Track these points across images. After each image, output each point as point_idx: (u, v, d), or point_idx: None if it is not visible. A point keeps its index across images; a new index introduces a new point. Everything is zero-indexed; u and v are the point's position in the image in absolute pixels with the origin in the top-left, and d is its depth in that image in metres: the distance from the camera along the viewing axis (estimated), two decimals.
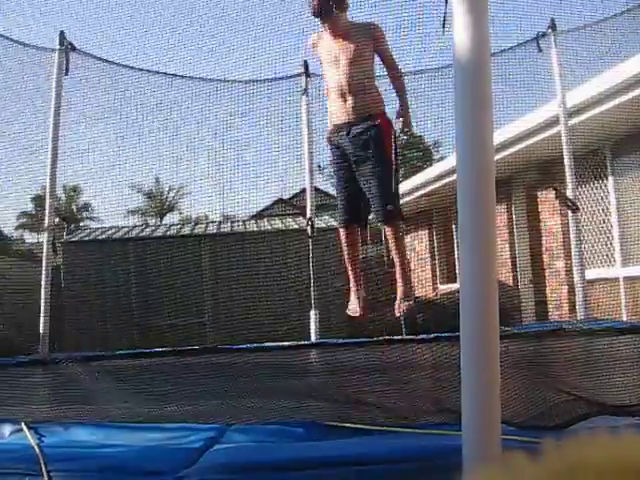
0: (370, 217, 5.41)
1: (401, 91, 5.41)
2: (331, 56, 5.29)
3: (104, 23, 7.46)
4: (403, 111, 5.34)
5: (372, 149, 5.24)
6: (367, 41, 5.27)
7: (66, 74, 7.40)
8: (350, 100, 5.23)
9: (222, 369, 5.78)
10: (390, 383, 4.65)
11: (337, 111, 5.29)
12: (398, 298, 5.39)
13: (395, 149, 5.40)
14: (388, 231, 5.28)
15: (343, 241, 5.36)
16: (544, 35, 8.04)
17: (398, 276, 5.39)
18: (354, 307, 5.44)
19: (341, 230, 5.39)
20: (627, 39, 7.52)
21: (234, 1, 7.16)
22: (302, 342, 7.62)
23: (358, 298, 5.41)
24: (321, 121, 8.36)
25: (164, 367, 6.21)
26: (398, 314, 5.43)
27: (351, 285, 5.44)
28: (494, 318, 2.08)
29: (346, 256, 5.35)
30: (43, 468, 2.52)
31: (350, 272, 5.38)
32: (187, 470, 2.52)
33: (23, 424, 2.99)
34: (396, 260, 5.35)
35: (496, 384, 2.08)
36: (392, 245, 5.26)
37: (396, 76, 5.43)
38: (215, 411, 3.90)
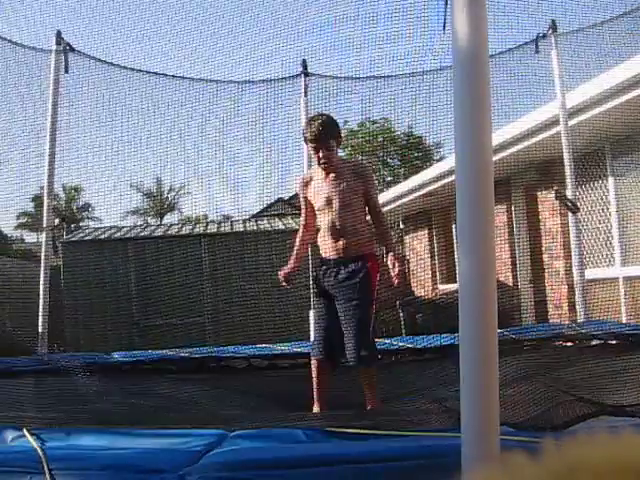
0: (342, 357, 5.27)
1: (387, 239, 5.45)
2: (323, 196, 5.32)
3: (102, 24, 7.46)
4: (394, 262, 5.25)
5: (357, 292, 5.22)
6: (358, 181, 5.32)
7: (66, 72, 7.40)
8: (341, 240, 5.27)
9: (222, 375, 5.78)
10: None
11: (327, 248, 5.31)
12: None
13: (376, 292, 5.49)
14: (360, 371, 5.24)
15: (314, 369, 5.26)
16: (544, 36, 8.05)
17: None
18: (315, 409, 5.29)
19: (313, 360, 5.31)
20: (627, 40, 7.53)
21: (230, 1, 7.17)
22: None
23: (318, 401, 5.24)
24: None
25: (164, 372, 6.21)
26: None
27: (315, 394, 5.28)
28: (493, 318, 2.08)
29: (315, 382, 5.21)
30: (45, 466, 2.52)
31: (315, 395, 5.22)
32: (188, 468, 2.53)
33: (25, 430, 2.99)
34: (366, 396, 5.23)
35: (495, 384, 2.08)
36: (363, 382, 5.15)
37: (381, 222, 5.48)
38: (216, 417, 3.91)
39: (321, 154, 5.25)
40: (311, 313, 8.45)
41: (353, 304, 5.18)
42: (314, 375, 5.23)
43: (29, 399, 4.84)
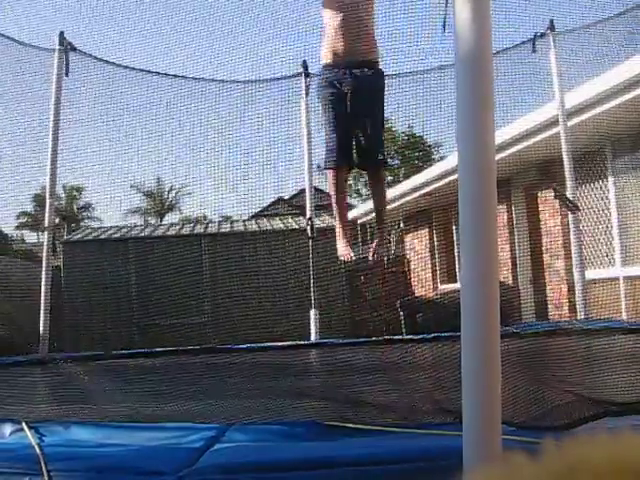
0: (358, 159, 5.20)
1: None
2: None
3: (103, 23, 7.46)
4: None
5: (373, 93, 5.12)
6: None
7: (66, 75, 7.41)
8: (353, 41, 5.04)
9: (221, 369, 5.78)
10: (390, 383, 4.65)
11: (338, 49, 5.07)
12: (374, 243, 5.38)
13: None
14: (374, 176, 5.26)
15: (332, 182, 5.12)
16: (543, 36, 8.05)
17: (376, 220, 5.37)
18: (345, 251, 5.29)
19: (331, 172, 5.14)
20: (626, 40, 7.53)
21: (231, 1, 7.17)
22: (302, 342, 7.60)
23: (347, 240, 5.24)
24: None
25: (163, 367, 6.22)
26: (371, 259, 5.42)
27: (339, 229, 5.26)
28: (495, 318, 2.08)
29: (335, 198, 5.12)
30: (43, 467, 2.52)
31: (338, 214, 5.19)
32: (188, 470, 2.52)
33: (24, 424, 2.99)
34: (376, 204, 5.28)
35: (497, 384, 2.08)
36: (375, 189, 5.22)
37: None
38: (215, 411, 3.91)
39: None
40: (312, 313, 8.45)
41: (371, 106, 5.09)
42: (333, 190, 5.14)
43: (28, 394, 4.84)
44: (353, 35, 5.04)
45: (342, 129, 5.06)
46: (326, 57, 5.17)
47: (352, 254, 5.35)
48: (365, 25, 5.16)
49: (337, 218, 5.23)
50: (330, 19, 5.10)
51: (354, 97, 5.00)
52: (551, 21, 7.97)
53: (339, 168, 5.08)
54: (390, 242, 17.55)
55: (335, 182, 5.06)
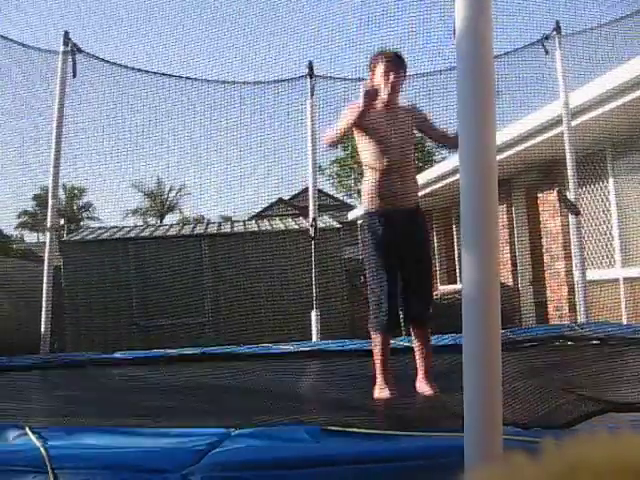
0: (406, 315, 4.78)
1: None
2: (383, 128, 4.72)
3: (109, 25, 7.48)
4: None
5: (423, 242, 4.91)
6: (412, 122, 4.86)
7: (74, 76, 7.42)
8: (406, 185, 4.72)
9: (222, 372, 5.78)
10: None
11: (385, 195, 4.68)
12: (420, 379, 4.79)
13: None
14: (420, 332, 4.77)
15: (378, 346, 4.62)
16: (548, 37, 8.06)
17: (420, 366, 4.77)
18: (384, 393, 4.61)
19: (376, 334, 4.66)
20: (630, 41, 7.54)
21: (240, 3, 7.18)
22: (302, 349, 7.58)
23: (386, 383, 4.61)
24: (325, 122, 8.40)
25: (164, 369, 6.22)
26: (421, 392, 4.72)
27: (379, 376, 4.64)
28: (496, 319, 2.09)
29: (379, 360, 4.58)
30: (49, 466, 2.53)
31: (380, 368, 4.61)
32: (191, 468, 2.53)
33: (27, 428, 3.00)
34: (425, 360, 4.75)
35: (498, 385, 2.09)
36: (420, 345, 4.69)
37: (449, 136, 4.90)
38: (217, 415, 3.91)
39: (395, 78, 4.74)
40: (313, 313, 8.45)
41: (426, 258, 4.85)
42: (378, 352, 4.62)
43: (29, 394, 4.85)
44: (401, 181, 4.70)
45: (390, 286, 4.62)
46: (371, 203, 4.76)
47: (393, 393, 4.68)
48: (412, 169, 4.95)
49: (379, 370, 4.67)
50: (375, 161, 4.73)
51: (405, 248, 4.67)
52: (557, 22, 7.99)
53: (385, 333, 4.68)
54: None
55: (382, 347, 4.62)
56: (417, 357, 4.74)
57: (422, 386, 4.64)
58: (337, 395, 4.71)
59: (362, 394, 4.59)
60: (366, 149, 4.78)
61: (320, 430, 3.01)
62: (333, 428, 3.03)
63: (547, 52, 8.10)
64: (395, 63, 4.81)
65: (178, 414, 3.92)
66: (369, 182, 4.78)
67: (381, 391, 4.55)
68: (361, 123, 4.69)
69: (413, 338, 4.80)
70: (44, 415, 3.89)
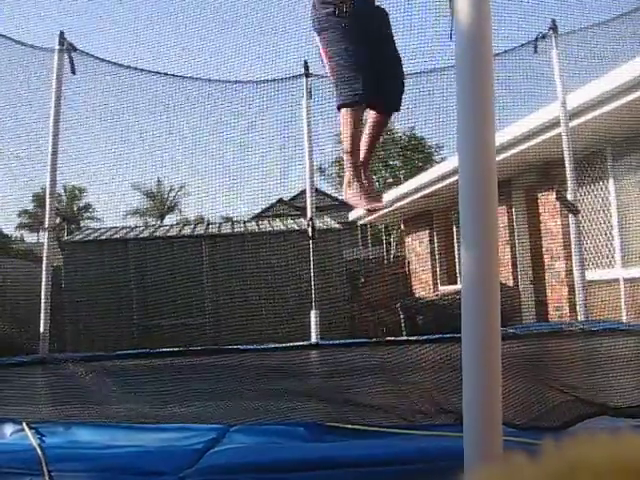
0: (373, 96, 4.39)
1: None
2: None
3: (105, 23, 7.47)
4: None
5: (390, 27, 4.63)
6: None
7: (73, 73, 7.42)
8: None
9: (222, 370, 5.78)
10: (390, 384, 4.65)
11: None
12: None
13: None
14: (380, 118, 4.55)
15: (348, 121, 4.30)
16: (545, 37, 8.05)
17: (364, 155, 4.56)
18: (360, 199, 4.43)
19: (348, 109, 4.33)
20: (628, 41, 7.53)
21: (236, 2, 7.18)
22: (302, 343, 7.61)
23: (362, 185, 4.39)
24: (322, 122, 8.40)
25: (164, 367, 6.22)
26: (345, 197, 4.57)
27: (350, 173, 4.42)
28: (496, 319, 2.08)
29: (350, 139, 4.32)
30: (44, 468, 2.52)
31: (351, 157, 4.39)
32: (188, 470, 2.53)
33: (24, 424, 2.99)
34: (367, 142, 4.54)
35: (497, 385, 2.08)
36: (374, 131, 4.48)
37: None
38: (215, 412, 3.91)
39: None
40: (312, 313, 8.45)
41: (393, 41, 4.61)
42: (348, 132, 4.36)
43: (28, 394, 4.85)
44: None
45: (366, 59, 4.33)
46: None
47: (365, 202, 4.53)
48: None
49: (350, 161, 4.45)
50: None
51: (377, 24, 4.44)
52: (553, 21, 7.97)
53: (359, 105, 4.38)
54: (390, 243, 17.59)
55: (353, 125, 4.31)
56: (364, 141, 4.55)
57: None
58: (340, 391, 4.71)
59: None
60: None
61: (320, 429, 3.01)
62: (333, 425, 3.03)
63: (536, 51, 8.08)
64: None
65: (175, 412, 3.92)
66: None
67: (349, 185, 4.41)
68: None
69: (370, 123, 4.59)
70: (40, 413, 3.88)
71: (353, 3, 4.35)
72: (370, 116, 4.66)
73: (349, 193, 4.53)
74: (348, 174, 4.49)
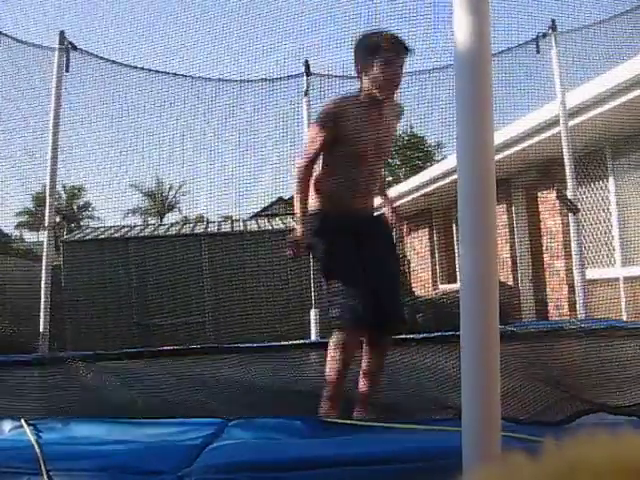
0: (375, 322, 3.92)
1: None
2: (369, 138, 4.02)
3: (103, 21, 7.47)
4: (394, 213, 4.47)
5: (389, 239, 4.32)
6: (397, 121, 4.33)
7: (66, 71, 7.41)
8: (376, 193, 4.24)
9: (219, 366, 5.78)
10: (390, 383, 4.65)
11: (358, 200, 4.06)
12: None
13: None
14: (383, 342, 4.09)
15: (345, 348, 3.80)
16: (545, 35, 8.05)
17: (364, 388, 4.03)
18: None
19: (341, 334, 3.88)
20: (628, 39, 7.52)
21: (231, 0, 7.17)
22: (302, 342, 7.61)
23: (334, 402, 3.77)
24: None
25: (163, 364, 6.23)
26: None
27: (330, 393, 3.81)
28: (494, 317, 2.08)
29: (339, 367, 3.77)
30: (43, 467, 2.52)
31: (335, 384, 3.79)
32: (187, 469, 2.53)
33: (23, 420, 2.99)
34: (372, 374, 4.03)
35: (496, 384, 2.08)
36: (377, 359, 4.00)
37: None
38: (213, 406, 3.91)
39: (400, 73, 4.03)
40: (312, 312, 8.46)
41: (397, 258, 4.36)
42: (340, 357, 3.76)
43: (27, 392, 4.85)
44: (368, 189, 4.14)
45: (359, 281, 3.94)
46: (321, 204, 4.16)
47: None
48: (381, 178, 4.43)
49: (334, 385, 3.84)
50: (347, 165, 4.08)
51: (368, 242, 4.05)
52: (553, 21, 7.97)
53: (357, 331, 3.93)
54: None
55: (347, 350, 3.81)
56: (364, 378, 4.04)
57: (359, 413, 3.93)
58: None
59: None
60: (344, 145, 4.07)
61: (319, 424, 3.01)
62: (331, 420, 3.03)
63: (538, 51, 8.08)
64: (398, 50, 4.01)
65: (174, 406, 3.92)
66: (323, 178, 4.15)
67: (330, 410, 3.72)
68: (337, 128, 4.02)
69: (369, 355, 4.07)
70: (38, 410, 3.87)
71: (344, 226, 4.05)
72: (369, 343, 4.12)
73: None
74: (325, 405, 3.79)
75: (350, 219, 4.04)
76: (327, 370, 3.86)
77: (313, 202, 4.21)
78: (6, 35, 7.17)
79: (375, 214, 4.37)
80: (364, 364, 4.08)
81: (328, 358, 3.88)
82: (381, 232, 4.25)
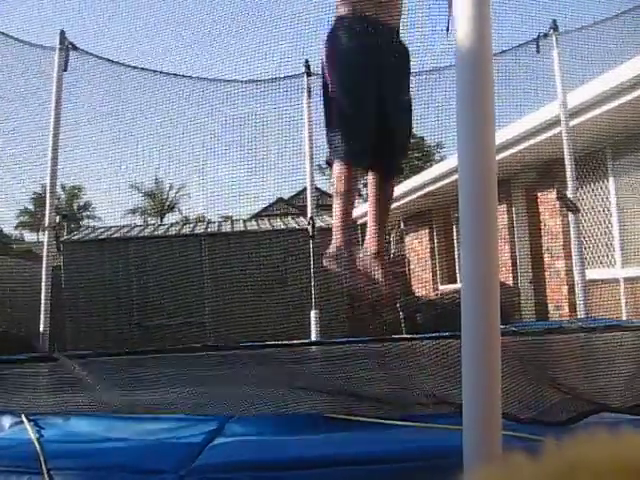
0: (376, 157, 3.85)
1: None
2: None
3: (103, 20, 7.47)
4: None
5: (405, 70, 4.09)
6: None
7: (65, 70, 7.41)
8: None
9: (220, 362, 5.78)
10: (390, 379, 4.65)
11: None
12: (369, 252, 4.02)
13: None
14: (384, 185, 4.02)
15: (343, 179, 3.77)
16: (546, 36, 8.05)
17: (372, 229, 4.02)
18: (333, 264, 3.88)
19: (343, 167, 3.81)
20: (628, 40, 7.53)
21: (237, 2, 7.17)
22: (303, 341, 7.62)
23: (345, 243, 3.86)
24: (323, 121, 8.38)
25: (164, 360, 6.23)
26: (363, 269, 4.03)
27: (340, 241, 3.87)
28: (495, 317, 2.08)
29: (342, 204, 3.79)
30: (43, 465, 2.52)
31: (341, 223, 3.84)
32: (188, 469, 2.53)
33: (23, 416, 2.99)
34: (377, 214, 4.02)
35: (497, 384, 2.08)
36: (381, 199, 3.96)
37: None
38: (214, 403, 3.91)
39: None
40: (312, 313, 8.46)
41: (406, 92, 4.07)
42: (343, 190, 3.80)
43: (27, 390, 4.84)
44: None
45: (369, 112, 3.81)
46: (344, 6, 3.89)
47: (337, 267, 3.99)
48: None
49: (339, 223, 3.89)
50: None
51: (387, 70, 3.85)
52: (554, 21, 7.98)
53: (357, 166, 3.89)
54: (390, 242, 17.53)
55: (348, 184, 3.79)
56: (372, 211, 4.03)
57: (372, 262, 4.00)
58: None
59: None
60: None
61: (320, 420, 3.01)
62: (333, 416, 3.03)
63: (539, 51, 8.08)
64: None
65: (175, 401, 3.92)
66: None
67: (334, 259, 3.80)
68: None
69: (373, 188, 4.07)
70: (38, 405, 3.87)
71: (368, 36, 3.81)
72: (371, 180, 4.12)
73: (332, 264, 3.92)
74: (336, 241, 3.88)
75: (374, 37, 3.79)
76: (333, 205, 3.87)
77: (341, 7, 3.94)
78: (4, 34, 7.17)
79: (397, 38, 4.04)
80: (370, 195, 4.05)
81: (333, 193, 3.87)
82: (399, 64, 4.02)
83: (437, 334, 6.38)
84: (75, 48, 7.47)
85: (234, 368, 5.51)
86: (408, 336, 6.88)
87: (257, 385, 4.57)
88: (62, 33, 7.42)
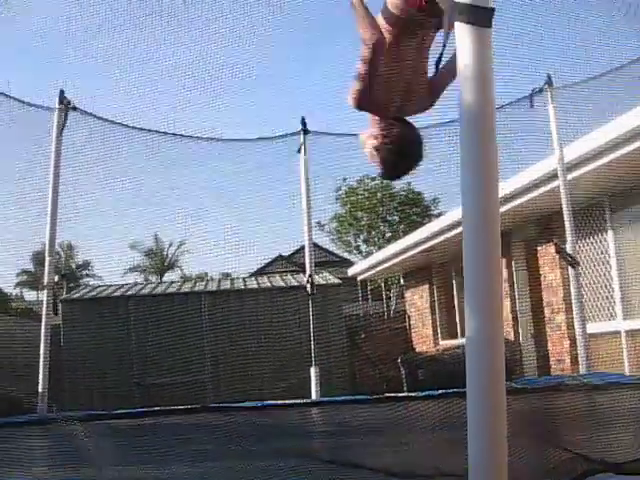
0: None
1: None
2: None
3: (105, 82, 7.55)
4: None
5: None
6: None
7: (60, 134, 7.43)
8: None
9: (221, 430, 5.72)
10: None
11: None
12: None
13: None
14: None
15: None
16: (541, 91, 8.14)
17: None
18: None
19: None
20: (624, 93, 7.60)
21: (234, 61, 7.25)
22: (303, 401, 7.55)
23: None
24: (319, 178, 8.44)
25: (164, 427, 6.15)
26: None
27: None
28: (500, 374, 2.06)
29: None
30: None
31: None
32: None
33: None
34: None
35: (503, 440, 2.05)
36: None
37: None
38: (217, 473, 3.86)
39: None
40: (312, 370, 8.39)
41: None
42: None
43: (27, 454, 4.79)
44: None
45: None
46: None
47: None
48: None
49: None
50: None
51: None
52: (548, 76, 8.07)
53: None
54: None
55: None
56: None
57: None
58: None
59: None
60: None
61: None
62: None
63: (532, 105, 8.16)
64: None
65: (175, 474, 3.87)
66: None
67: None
68: None
69: None
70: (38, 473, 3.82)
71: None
72: None
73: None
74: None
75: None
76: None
77: None
78: (5, 95, 7.24)
79: None
80: None
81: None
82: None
83: (441, 392, 6.33)
84: (75, 108, 7.52)
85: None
86: (412, 394, 6.83)
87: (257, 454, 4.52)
88: (61, 93, 7.48)
